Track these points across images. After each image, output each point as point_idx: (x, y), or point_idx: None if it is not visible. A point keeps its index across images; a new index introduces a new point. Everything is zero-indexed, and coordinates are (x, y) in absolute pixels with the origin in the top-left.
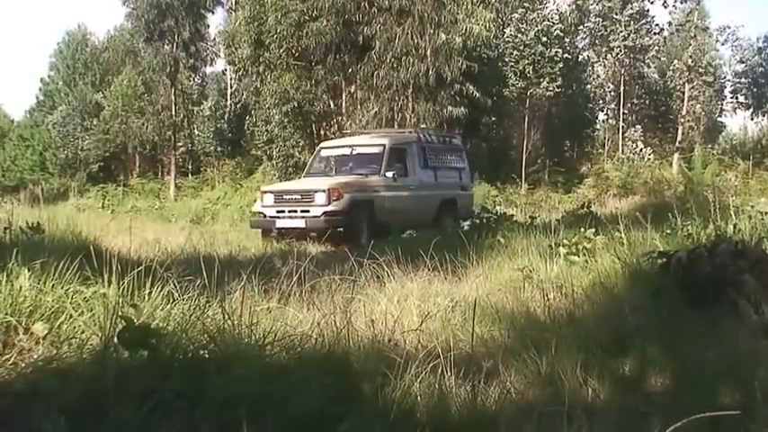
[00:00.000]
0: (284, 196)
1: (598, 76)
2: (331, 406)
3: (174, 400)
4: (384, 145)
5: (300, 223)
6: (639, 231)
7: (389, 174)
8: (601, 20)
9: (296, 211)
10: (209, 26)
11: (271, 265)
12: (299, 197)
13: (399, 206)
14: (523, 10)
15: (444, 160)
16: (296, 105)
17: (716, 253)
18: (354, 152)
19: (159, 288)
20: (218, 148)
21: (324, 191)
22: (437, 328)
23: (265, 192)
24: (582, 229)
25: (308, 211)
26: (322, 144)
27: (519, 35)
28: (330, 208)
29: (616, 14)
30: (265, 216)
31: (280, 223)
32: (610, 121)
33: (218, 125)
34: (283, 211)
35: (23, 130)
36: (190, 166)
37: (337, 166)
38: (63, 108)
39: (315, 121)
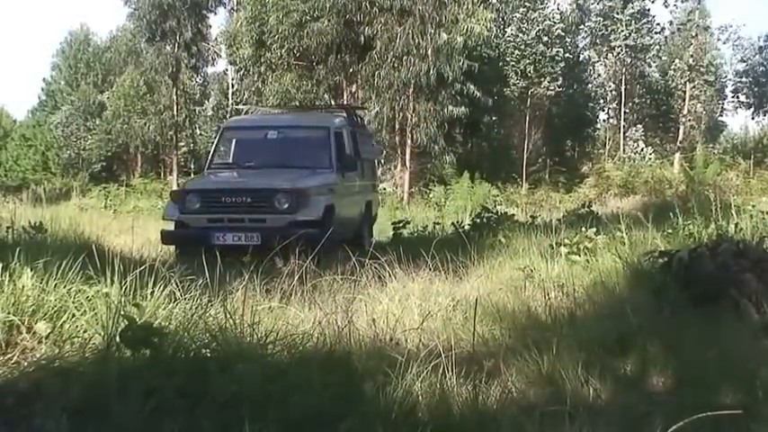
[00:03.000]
0: (222, 198)
1: (599, 75)
2: (332, 405)
3: (176, 399)
4: (328, 128)
5: (253, 238)
6: (641, 231)
7: (341, 170)
8: (602, 19)
9: (242, 221)
10: (210, 26)
11: (272, 265)
12: (248, 200)
13: (349, 214)
14: (524, 9)
15: (367, 150)
16: (297, 105)
17: (717, 252)
18: (285, 136)
19: (161, 287)
20: None
21: (289, 192)
22: (438, 327)
23: (187, 192)
24: (583, 229)
25: (263, 221)
26: (227, 123)
27: (520, 34)
28: (299, 216)
29: (617, 14)
30: (185, 227)
31: (218, 239)
32: (611, 120)
33: (220, 125)
34: (221, 221)
35: (26, 130)
36: (192, 166)
37: (261, 154)
38: (66, 108)
39: None
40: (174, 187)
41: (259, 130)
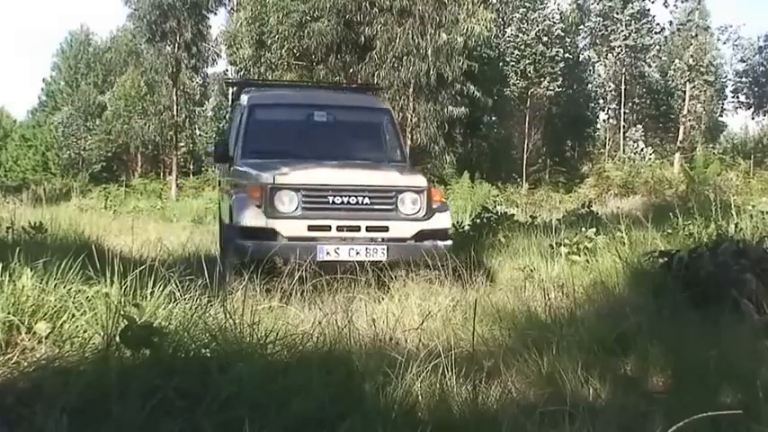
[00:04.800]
0: (331, 198)
1: (599, 75)
2: (332, 405)
3: (177, 399)
4: (389, 111)
5: (376, 252)
6: (641, 231)
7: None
8: (602, 19)
9: (357, 229)
10: (210, 27)
11: (272, 265)
12: (366, 201)
13: None
14: (524, 10)
15: None
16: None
17: (717, 252)
18: (337, 118)
19: (161, 287)
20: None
21: (420, 191)
22: (438, 327)
23: (278, 188)
24: (583, 229)
25: (384, 229)
26: (254, 98)
27: (520, 35)
28: (431, 224)
29: (617, 14)
30: (274, 236)
31: (327, 253)
32: (611, 120)
33: (220, 125)
34: (326, 229)
35: (26, 131)
36: (191, 167)
37: (306, 141)
38: (67, 108)
39: None
40: (174, 188)
41: (301, 110)
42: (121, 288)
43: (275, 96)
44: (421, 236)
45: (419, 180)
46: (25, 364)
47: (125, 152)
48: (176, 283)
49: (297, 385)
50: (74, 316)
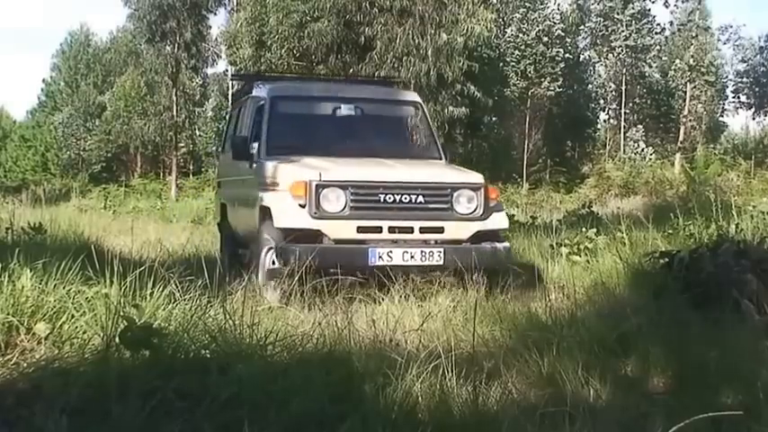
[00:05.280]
0: (382, 196)
1: (599, 75)
2: (332, 406)
3: (176, 400)
4: (419, 104)
5: (432, 256)
6: (641, 231)
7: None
8: (602, 19)
9: (411, 230)
10: (210, 27)
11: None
12: (420, 199)
13: None
14: (525, 10)
15: None
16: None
17: (718, 253)
18: (364, 112)
19: (161, 288)
20: (218, 150)
21: (476, 188)
22: (438, 328)
23: (324, 185)
24: (583, 229)
25: (439, 230)
26: (274, 90)
27: (520, 35)
28: (489, 225)
29: (617, 14)
30: (319, 238)
31: (379, 257)
32: (611, 120)
33: (220, 126)
34: (377, 230)
35: (25, 131)
36: (191, 167)
37: (332, 136)
38: (67, 108)
39: None
40: (174, 188)
41: (326, 103)
42: (121, 289)
43: (297, 88)
44: (477, 237)
45: (475, 176)
46: (25, 364)
47: (125, 152)
48: (176, 284)
49: (297, 386)
50: (73, 317)
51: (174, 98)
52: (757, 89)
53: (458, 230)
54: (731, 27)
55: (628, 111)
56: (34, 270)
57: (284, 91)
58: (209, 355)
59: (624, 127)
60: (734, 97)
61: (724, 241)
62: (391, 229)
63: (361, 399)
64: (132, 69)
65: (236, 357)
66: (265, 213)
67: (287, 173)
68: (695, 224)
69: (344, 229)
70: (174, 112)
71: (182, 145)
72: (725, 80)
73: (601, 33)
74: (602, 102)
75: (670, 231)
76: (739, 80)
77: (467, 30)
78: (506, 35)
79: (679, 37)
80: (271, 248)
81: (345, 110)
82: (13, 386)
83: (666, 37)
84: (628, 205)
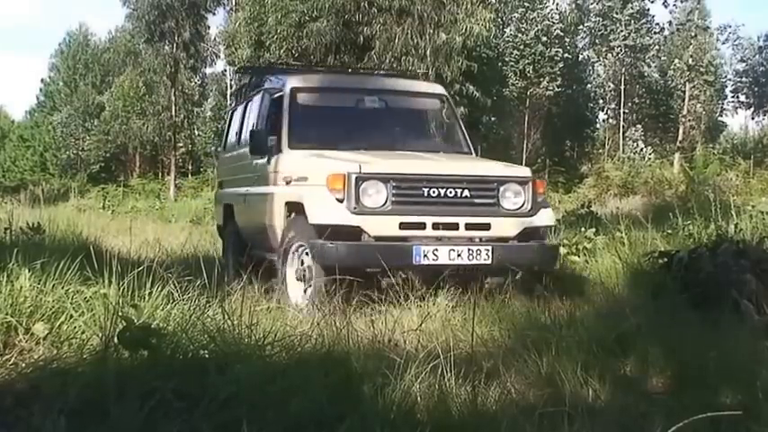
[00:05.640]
0: (426, 190)
1: (598, 75)
2: (331, 406)
3: (175, 400)
4: (445, 96)
5: (480, 255)
6: (640, 231)
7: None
8: (601, 19)
9: (456, 227)
10: (209, 27)
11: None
12: (466, 193)
13: None
14: (523, 9)
15: None
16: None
17: (717, 253)
18: (389, 105)
19: (159, 288)
20: (218, 149)
21: (523, 182)
22: (437, 328)
23: (364, 178)
24: (582, 229)
25: (486, 227)
26: (293, 81)
27: (519, 35)
28: (537, 221)
29: (616, 14)
30: (359, 235)
31: (424, 256)
32: (610, 120)
33: (219, 126)
34: (420, 227)
35: (24, 131)
36: (190, 167)
37: (356, 129)
38: (66, 109)
39: None
40: (172, 188)
41: (349, 95)
42: (120, 289)
43: (319, 79)
44: (525, 235)
45: (522, 170)
46: (23, 365)
47: (123, 152)
48: (175, 284)
49: (295, 386)
50: (72, 317)
51: (173, 98)
52: (756, 89)
53: (505, 227)
54: (730, 27)
55: (627, 110)
56: (33, 270)
57: (305, 82)
58: (207, 356)
59: (623, 126)
60: (733, 97)
61: (723, 241)
62: (435, 226)
63: (359, 399)
64: (131, 69)
65: (234, 357)
66: (292, 209)
67: (320, 166)
68: (694, 224)
69: (386, 226)
70: (173, 112)
71: (180, 145)
72: (724, 80)
73: (600, 33)
74: (600, 101)
75: (669, 231)
76: (738, 80)
77: (465, 29)
78: (505, 35)
79: (678, 36)
80: (301, 247)
81: (369, 102)
82: (11, 386)
83: (665, 36)
84: (627, 205)
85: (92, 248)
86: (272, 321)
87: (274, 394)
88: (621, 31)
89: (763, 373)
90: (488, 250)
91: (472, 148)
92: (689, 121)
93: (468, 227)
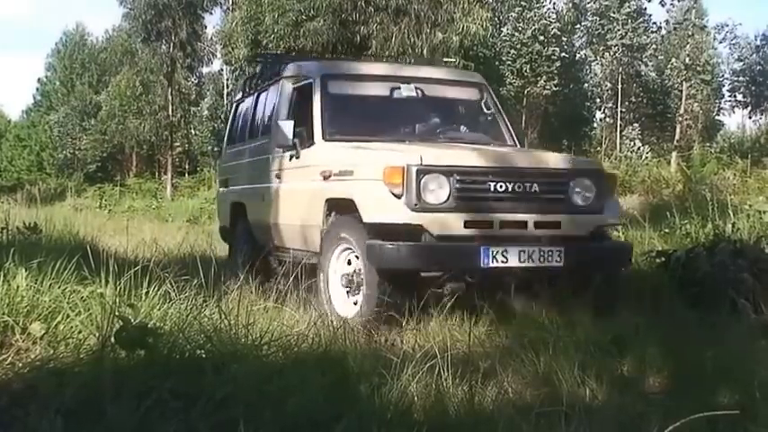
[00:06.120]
0: (492, 185)
1: (595, 74)
2: (328, 406)
3: (171, 400)
4: (483, 85)
5: (551, 257)
6: (638, 230)
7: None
8: (598, 18)
9: (524, 226)
10: (206, 26)
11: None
12: (534, 188)
13: None
14: (520, 9)
15: None
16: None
17: (714, 252)
18: (425, 94)
19: (156, 288)
20: (215, 148)
21: (593, 174)
22: (434, 328)
23: (425, 171)
24: None
25: (556, 226)
26: (322, 68)
27: (516, 34)
28: (609, 218)
29: (613, 13)
30: (419, 235)
31: (493, 259)
32: (607, 119)
33: (215, 125)
34: (487, 225)
35: (20, 131)
36: (187, 166)
37: (389, 120)
38: (63, 108)
39: None
40: (169, 188)
41: (381, 83)
42: (116, 288)
43: (350, 66)
44: (596, 234)
45: (593, 162)
46: (20, 364)
47: (120, 152)
48: (171, 284)
49: (292, 386)
50: (68, 316)
51: (170, 97)
52: (753, 88)
53: (575, 225)
54: (727, 26)
55: (624, 109)
56: (29, 270)
57: (335, 69)
58: (204, 355)
59: (620, 125)
60: (730, 96)
61: (720, 240)
62: (503, 224)
63: (356, 399)
64: (128, 69)
65: (231, 357)
66: (333, 207)
67: (371, 158)
68: (692, 223)
69: (449, 224)
70: (170, 112)
71: (177, 144)
72: (721, 79)
73: (597, 32)
74: (598, 100)
75: (666, 230)
76: (735, 79)
77: (462, 29)
78: (502, 34)
79: (675, 36)
80: (347, 249)
81: (405, 90)
82: (7, 386)
83: (662, 36)
84: (624, 204)
85: (88, 248)
86: (268, 321)
87: (271, 394)
88: (618, 30)
89: (761, 372)
90: (560, 251)
91: (517, 141)
92: (686, 120)
93: (538, 225)
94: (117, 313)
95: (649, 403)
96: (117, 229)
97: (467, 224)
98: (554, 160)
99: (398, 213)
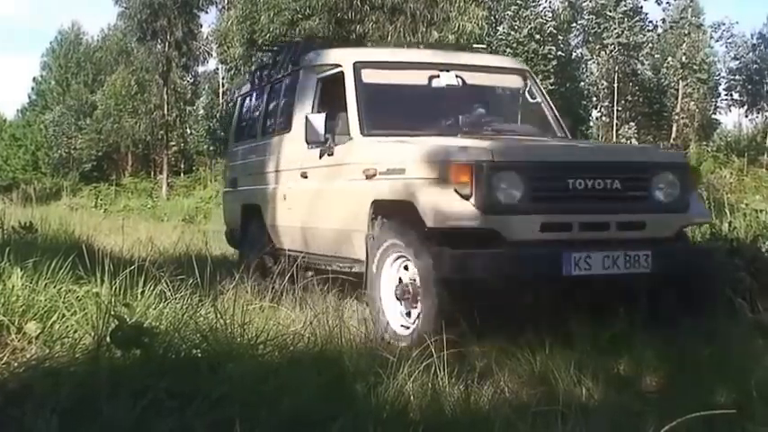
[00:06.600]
0: (572, 181)
1: (592, 73)
2: (324, 405)
3: (167, 399)
4: (527, 72)
5: (638, 262)
6: None
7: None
8: (594, 17)
9: (606, 227)
10: (201, 25)
11: (263, 264)
12: (616, 184)
13: None
14: (516, 7)
15: None
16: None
17: (711, 251)
18: (466, 83)
19: (152, 287)
20: (211, 148)
21: (680, 168)
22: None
23: (499, 167)
24: None
25: (641, 226)
26: (354, 55)
27: (512, 33)
28: (695, 218)
29: (609, 11)
30: (495, 241)
31: (575, 266)
32: (604, 118)
33: (211, 124)
34: (567, 228)
35: (16, 130)
36: (182, 166)
37: (427, 111)
38: (59, 107)
39: None
40: (165, 187)
41: (418, 71)
42: (112, 288)
43: (382, 53)
44: (681, 236)
45: (676, 155)
46: (15, 364)
47: (116, 151)
48: (167, 283)
49: (288, 385)
50: (64, 316)
51: (165, 97)
52: (750, 87)
53: (660, 227)
54: (724, 24)
55: (620, 108)
56: (25, 269)
57: (368, 55)
58: (200, 355)
59: (617, 124)
60: (726, 95)
61: (717, 239)
62: (583, 227)
63: (352, 398)
64: (123, 68)
65: (227, 357)
66: (380, 210)
67: (428, 154)
68: None
69: (525, 227)
70: (165, 111)
71: (173, 144)
72: (717, 78)
73: (593, 31)
74: (594, 99)
75: None
76: (732, 77)
77: (458, 27)
78: (498, 33)
79: (671, 34)
80: (401, 257)
81: (445, 79)
82: (3, 386)
83: (659, 34)
84: None
85: (84, 247)
86: (264, 320)
87: (267, 393)
88: (615, 28)
89: (758, 371)
90: (647, 256)
91: (568, 134)
92: (682, 118)
93: (621, 227)
94: (112, 313)
95: (646, 402)
96: (112, 229)
97: (544, 227)
98: (635, 153)
99: (468, 216)
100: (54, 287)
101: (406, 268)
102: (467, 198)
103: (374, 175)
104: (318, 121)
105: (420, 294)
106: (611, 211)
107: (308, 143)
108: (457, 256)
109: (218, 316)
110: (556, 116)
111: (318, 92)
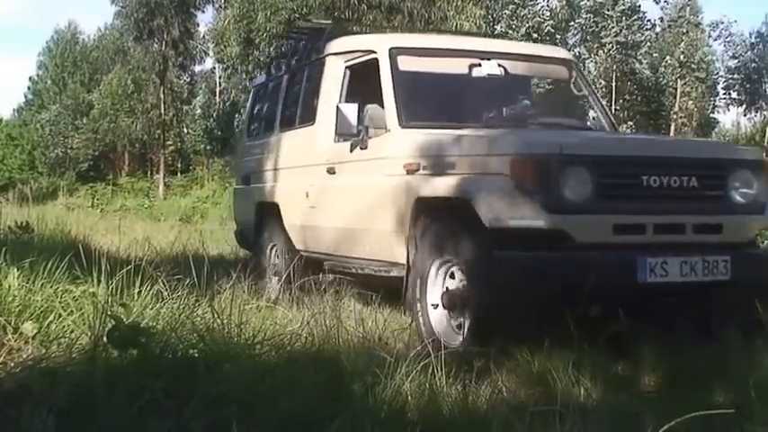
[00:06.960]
0: (646, 178)
1: (589, 72)
2: (321, 405)
3: (164, 400)
4: (571, 62)
5: (716, 268)
6: None
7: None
8: (592, 16)
9: (682, 229)
10: (198, 24)
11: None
12: (693, 182)
13: None
14: (514, 6)
15: None
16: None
17: None
18: (506, 72)
19: (148, 287)
20: (208, 147)
21: (757, 165)
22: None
23: (566, 161)
24: None
25: (717, 229)
26: (389, 40)
27: (510, 32)
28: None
29: (607, 10)
30: (564, 243)
31: (651, 272)
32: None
33: (208, 123)
34: (640, 230)
35: (12, 129)
36: (179, 165)
37: (467, 101)
38: (55, 107)
39: None
40: (161, 187)
41: (458, 59)
42: (108, 288)
43: (418, 39)
44: (753, 241)
45: (753, 151)
46: (11, 364)
47: (112, 151)
48: (164, 283)
49: (285, 385)
50: (61, 316)
51: (162, 96)
52: (748, 85)
53: (737, 230)
54: (722, 23)
55: (618, 107)
56: (21, 269)
57: (404, 41)
58: (197, 355)
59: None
60: (725, 94)
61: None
62: (658, 229)
63: (349, 398)
64: (120, 67)
65: (224, 357)
66: (425, 208)
67: (484, 147)
68: None
69: (597, 229)
70: (162, 110)
71: (169, 143)
72: (716, 76)
73: (591, 29)
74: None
75: None
76: (730, 76)
77: (456, 26)
78: (496, 32)
79: (669, 33)
80: (448, 261)
81: (487, 68)
82: None
83: (657, 33)
84: None
85: (80, 247)
86: (261, 320)
87: (264, 393)
88: (613, 27)
89: (757, 371)
90: (726, 261)
91: (615, 127)
92: (681, 117)
93: (697, 229)
94: (109, 312)
95: (644, 402)
96: (109, 229)
97: (616, 229)
98: (709, 148)
99: (533, 215)
100: (51, 287)
101: (452, 276)
102: (531, 195)
103: (417, 170)
104: (351, 111)
105: (470, 303)
106: (686, 212)
107: (338, 136)
108: (523, 259)
109: (215, 316)
110: (604, 109)
111: (347, 81)
